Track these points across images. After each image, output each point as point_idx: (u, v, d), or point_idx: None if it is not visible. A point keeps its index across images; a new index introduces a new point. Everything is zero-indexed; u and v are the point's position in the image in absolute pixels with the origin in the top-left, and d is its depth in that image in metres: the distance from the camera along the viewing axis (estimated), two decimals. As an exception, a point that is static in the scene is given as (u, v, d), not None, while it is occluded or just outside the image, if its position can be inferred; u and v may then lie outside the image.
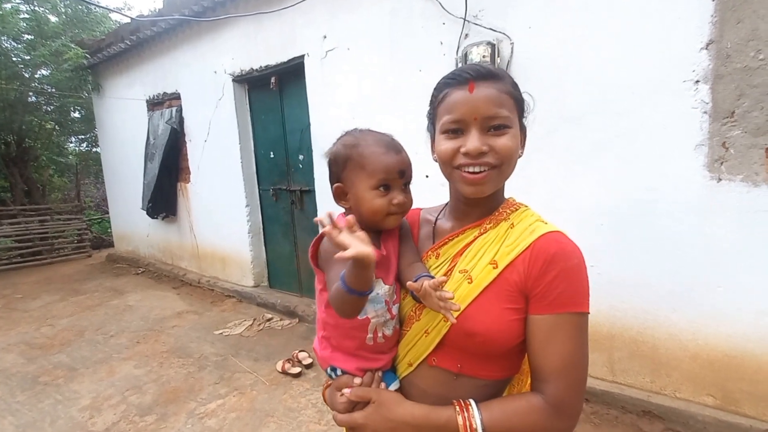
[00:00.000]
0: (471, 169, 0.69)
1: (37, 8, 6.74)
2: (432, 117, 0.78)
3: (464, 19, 2.51)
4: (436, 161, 0.77)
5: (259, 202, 4.39)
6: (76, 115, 8.47)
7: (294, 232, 4.13)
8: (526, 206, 0.80)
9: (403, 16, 2.81)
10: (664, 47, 1.95)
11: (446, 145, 0.71)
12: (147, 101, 5.34)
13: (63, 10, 7.29)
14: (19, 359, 3.32)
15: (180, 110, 4.83)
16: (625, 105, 2.08)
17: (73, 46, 5.83)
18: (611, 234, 2.21)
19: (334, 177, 0.80)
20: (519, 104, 0.73)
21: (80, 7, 7.50)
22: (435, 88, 0.76)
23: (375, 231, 0.79)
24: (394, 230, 0.82)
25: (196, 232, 5.02)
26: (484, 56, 2.44)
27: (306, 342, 3.35)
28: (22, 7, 6.65)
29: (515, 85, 0.74)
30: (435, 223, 0.86)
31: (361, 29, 3.04)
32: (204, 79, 4.38)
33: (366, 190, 0.75)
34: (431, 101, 0.77)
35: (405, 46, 2.83)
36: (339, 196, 0.80)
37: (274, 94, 3.91)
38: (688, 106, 1.92)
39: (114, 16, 8.50)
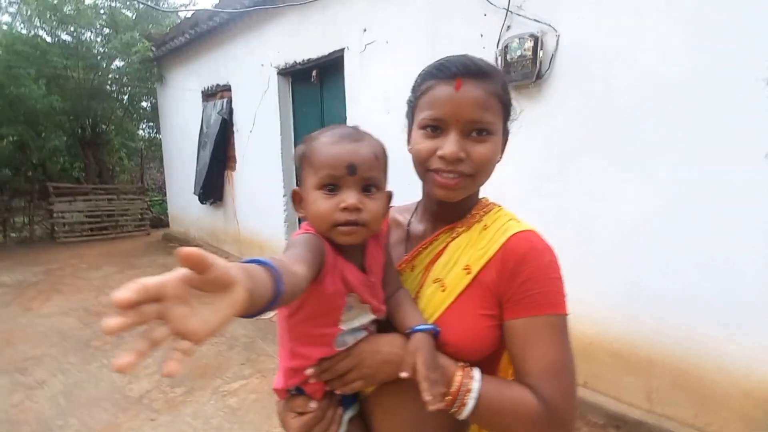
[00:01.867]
0: (445, 174, 0.65)
1: (113, 4, 7.38)
2: (412, 106, 0.72)
3: (507, 10, 2.37)
4: (410, 152, 0.71)
5: (296, 192, 4.51)
6: (145, 104, 9.23)
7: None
8: (500, 206, 0.76)
9: (443, 8, 2.71)
10: (732, 41, 1.70)
11: (423, 144, 0.66)
12: (202, 92, 5.66)
13: (136, 6, 7.93)
14: (77, 324, 3.69)
15: (230, 101, 5.07)
16: (684, 105, 1.86)
17: (142, 39, 6.32)
18: (658, 247, 1.99)
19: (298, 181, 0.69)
20: (506, 108, 0.68)
21: (151, 3, 8.12)
22: (419, 75, 0.70)
23: (359, 246, 0.66)
24: (378, 244, 0.69)
25: (239, 219, 5.27)
26: (526, 49, 2.30)
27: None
28: (102, 2, 7.32)
29: (505, 87, 0.68)
30: (408, 227, 0.80)
31: (400, 22, 2.98)
32: (252, 71, 4.55)
33: (311, 190, 0.62)
34: (413, 88, 0.71)
35: (443, 38, 2.74)
36: (296, 201, 0.68)
37: (315, 87, 3.98)
38: (760, 109, 1.66)
39: (179, 11, 9.12)
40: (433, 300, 0.68)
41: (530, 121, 2.38)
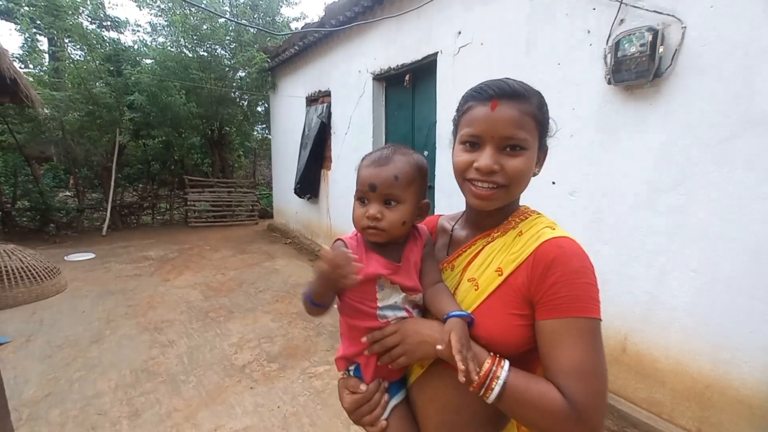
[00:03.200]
0: (480, 185, 0.72)
1: (239, 22, 8.49)
2: (456, 124, 0.81)
3: (621, 2, 2.14)
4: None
5: (384, 192, 4.68)
6: (260, 109, 10.45)
7: (412, 224, 4.26)
8: (539, 214, 0.80)
9: (545, 3, 2.55)
10: None
11: (461, 157, 0.74)
12: (306, 98, 6.20)
13: (257, 22, 9.00)
14: (199, 296, 4.38)
15: (329, 106, 5.47)
16: None
17: (259, 53, 7.17)
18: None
19: None
20: (541, 126, 0.74)
21: (268, 18, 9.13)
22: (462, 97, 0.79)
23: (398, 243, 0.82)
24: (417, 242, 0.83)
25: (331, 215, 5.66)
26: (642, 44, 2.05)
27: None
28: (230, 22, 8.47)
29: (541, 106, 0.74)
30: (451, 232, 0.89)
31: (497, 22, 2.89)
32: (350, 77, 4.84)
33: (355, 200, 0.80)
34: (457, 108, 0.80)
35: (544, 37, 2.58)
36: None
37: (407, 91, 4.07)
38: None
39: (291, 23, 10.10)
40: (467, 297, 0.75)
41: (643, 126, 2.12)
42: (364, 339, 0.76)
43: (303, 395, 2.60)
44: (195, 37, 8.06)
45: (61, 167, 8.40)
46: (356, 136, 4.85)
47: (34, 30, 7.57)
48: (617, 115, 2.22)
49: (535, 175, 0.76)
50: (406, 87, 4.00)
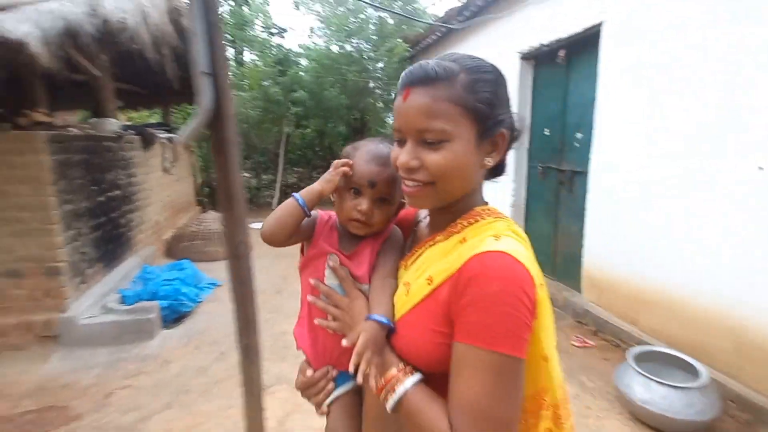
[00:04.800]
0: (407, 182, 0.67)
1: (380, 14, 9.01)
2: None
3: None
4: None
5: (526, 178, 4.50)
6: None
7: (556, 213, 4.03)
8: (498, 217, 0.69)
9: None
10: None
11: (393, 153, 0.69)
12: (445, 83, 6.29)
13: (397, 11, 9.42)
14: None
15: (469, 89, 5.44)
16: None
17: (400, 42, 7.53)
18: None
19: None
20: (474, 109, 0.62)
21: (408, 8, 9.45)
22: None
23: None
24: (378, 238, 0.81)
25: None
26: None
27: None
28: (373, 14, 9.06)
29: (471, 85, 0.62)
30: (415, 228, 0.84)
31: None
32: (493, 59, 4.71)
33: (343, 188, 0.80)
34: None
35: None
36: (336, 190, 0.83)
37: (560, 69, 3.79)
38: None
39: (430, 10, 10.23)
40: (398, 302, 0.70)
41: None
42: (312, 281, 0.78)
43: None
44: (344, 34, 8.91)
45: (243, 153, 10.46)
46: (497, 119, 4.75)
47: (224, 42, 9.46)
48: None
49: (486, 166, 0.66)
50: (560, 64, 3.73)
